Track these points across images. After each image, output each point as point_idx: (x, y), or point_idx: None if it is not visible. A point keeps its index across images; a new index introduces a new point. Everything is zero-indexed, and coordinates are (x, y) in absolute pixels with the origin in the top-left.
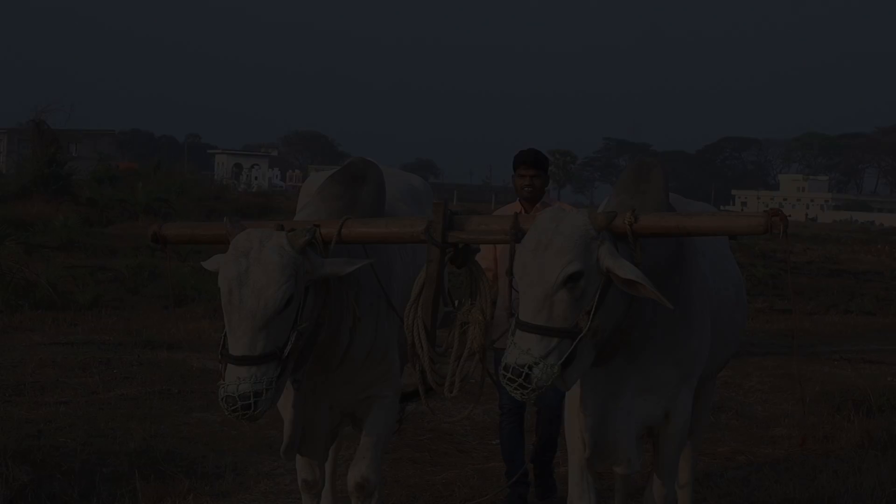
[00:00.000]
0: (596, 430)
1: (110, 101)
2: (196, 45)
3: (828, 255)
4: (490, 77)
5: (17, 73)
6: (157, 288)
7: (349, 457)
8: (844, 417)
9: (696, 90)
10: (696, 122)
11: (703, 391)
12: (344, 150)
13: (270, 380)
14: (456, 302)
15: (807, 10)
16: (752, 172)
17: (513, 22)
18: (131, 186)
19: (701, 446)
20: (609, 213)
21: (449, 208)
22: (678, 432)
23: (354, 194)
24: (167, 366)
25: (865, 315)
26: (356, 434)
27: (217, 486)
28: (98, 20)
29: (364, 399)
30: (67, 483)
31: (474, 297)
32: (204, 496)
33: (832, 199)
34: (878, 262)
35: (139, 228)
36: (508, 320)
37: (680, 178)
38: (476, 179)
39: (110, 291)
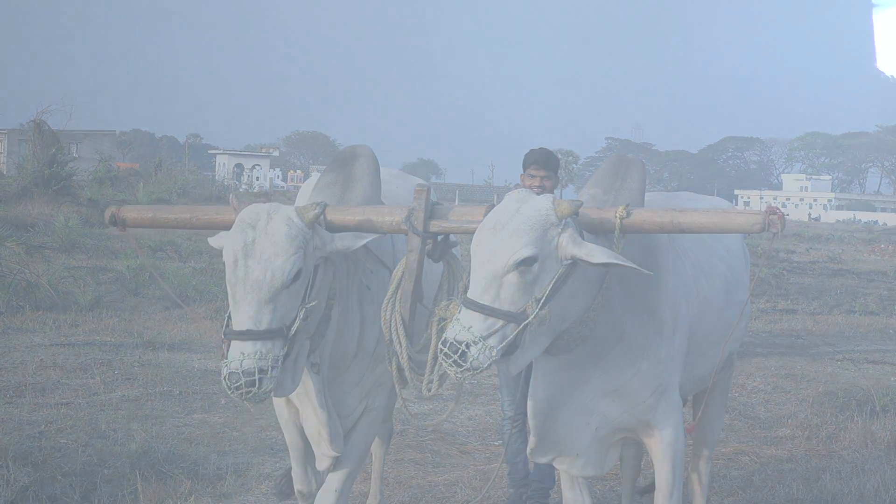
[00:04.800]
0: (540, 418)
1: (111, 102)
2: (197, 46)
3: (831, 255)
4: (492, 76)
5: (17, 73)
6: (158, 289)
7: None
8: (848, 418)
9: (699, 89)
10: (698, 122)
11: (710, 400)
12: None
13: (276, 357)
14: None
15: (809, 9)
16: (754, 172)
17: (515, 21)
18: (132, 187)
19: (712, 461)
20: (574, 202)
21: (430, 197)
22: (667, 448)
23: (348, 174)
24: (168, 367)
25: (869, 315)
26: None
27: (218, 488)
28: (99, 21)
29: (360, 410)
30: (68, 484)
31: (452, 292)
32: (205, 497)
33: (835, 198)
34: (882, 262)
35: (140, 230)
36: None
37: (682, 177)
38: (478, 179)
39: (111, 292)
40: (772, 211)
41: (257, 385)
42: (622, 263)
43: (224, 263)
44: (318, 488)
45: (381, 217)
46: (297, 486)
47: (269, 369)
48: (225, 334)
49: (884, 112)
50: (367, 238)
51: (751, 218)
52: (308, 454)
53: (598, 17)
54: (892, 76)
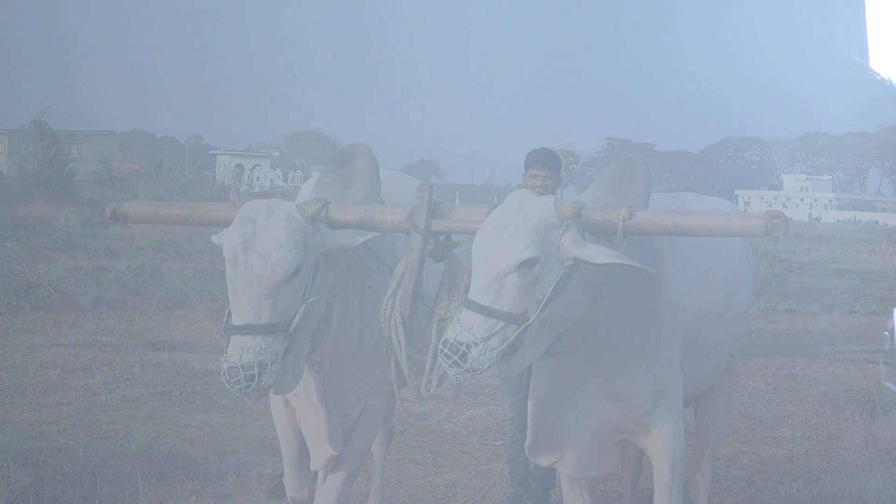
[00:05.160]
0: (539, 419)
1: (111, 102)
2: (198, 46)
3: (831, 255)
4: (493, 76)
5: (17, 74)
6: (158, 289)
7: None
8: (848, 418)
9: (700, 89)
10: (698, 122)
11: (712, 401)
12: None
13: (276, 353)
14: None
15: (806, 7)
16: (755, 172)
17: (515, 20)
18: (133, 187)
19: (714, 462)
20: (576, 203)
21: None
22: (665, 450)
23: (348, 173)
24: (169, 367)
25: (869, 315)
26: None
27: (219, 488)
28: (99, 20)
29: (359, 410)
30: (69, 485)
31: (453, 293)
32: (206, 497)
33: (835, 198)
34: (882, 262)
35: (141, 230)
36: None
37: (683, 177)
38: (479, 180)
39: (112, 293)
40: (775, 215)
41: (256, 380)
42: (626, 263)
43: (224, 260)
44: (310, 495)
45: (383, 215)
46: (290, 493)
47: (269, 364)
48: (225, 329)
49: (879, 113)
50: (368, 235)
51: (754, 221)
52: (303, 459)
53: (599, 17)
54: (887, 78)
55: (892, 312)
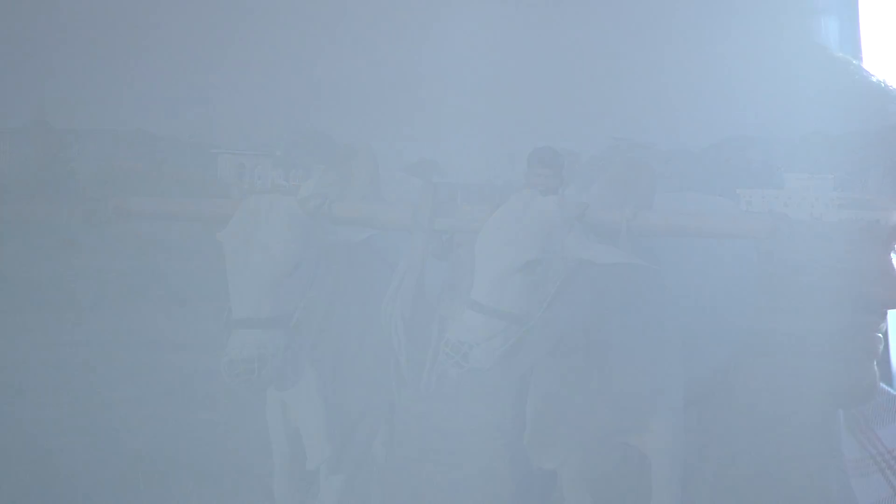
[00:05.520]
0: (540, 419)
1: (112, 102)
2: (198, 45)
3: (832, 254)
4: (493, 75)
5: (17, 73)
6: (159, 288)
7: None
8: (848, 418)
9: (700, 88)
10: (699, 121)
11: (715, 401)
12: None
13: (277, 346)
14: None
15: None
16: (756, 172)
17: (515, 20)
18: (134, 186)
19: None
20: (580, 203)
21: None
22: (665, 450)
23: (348, 171)
24: (170, 366)
25: (870, 314)
26: None
27: (219, 488)
28: (99, 19)
29: (360, 408)
30: (69, 485)
31: (455, 292)
32: (206, 497)
33: (836, 197)
34: (882, 261)
35: (142, 228)
36: None
37: (684, 176)
38: (480, 179)
39: (113, 291)
40: (778, 216)
41: (257, 373)
42: (631, 261)
43: (225, 255)
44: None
45: (387, 213)
46: (279, 499)
47: (270, 357)
48: (225, 324)
49: (877, 113)
50: (369, 232)
51: (757, 223)
52: (294, 465)
53: (599, 16)
54: (882, 80)
55: (884, 314)
